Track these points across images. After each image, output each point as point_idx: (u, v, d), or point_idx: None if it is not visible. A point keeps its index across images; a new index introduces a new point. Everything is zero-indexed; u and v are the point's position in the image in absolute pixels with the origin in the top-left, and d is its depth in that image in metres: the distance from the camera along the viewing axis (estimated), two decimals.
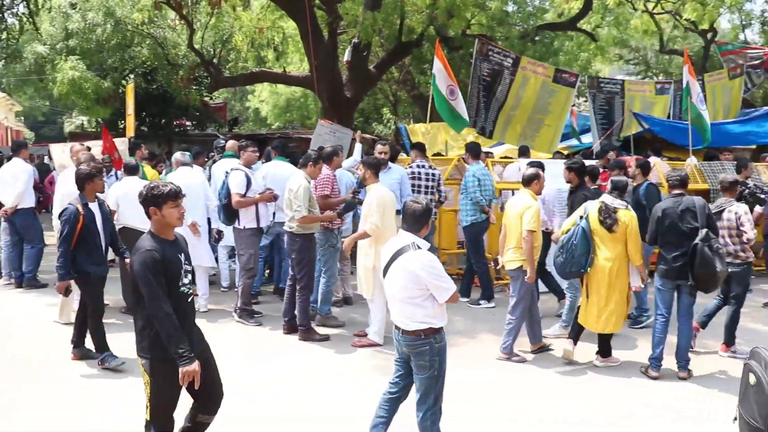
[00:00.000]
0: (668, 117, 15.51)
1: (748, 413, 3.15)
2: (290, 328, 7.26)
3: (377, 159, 7.25)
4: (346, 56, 15.48)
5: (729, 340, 6.85)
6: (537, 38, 15.88)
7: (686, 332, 6.17)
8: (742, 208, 6.78)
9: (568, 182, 7.56)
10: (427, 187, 8.84)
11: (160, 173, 10.58)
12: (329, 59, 15.22)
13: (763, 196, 8.03)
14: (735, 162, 10.27)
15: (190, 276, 3.96)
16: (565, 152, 16.06)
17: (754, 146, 17.10)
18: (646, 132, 14.02)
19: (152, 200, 3.81)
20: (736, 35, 22.63)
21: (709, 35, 21.01)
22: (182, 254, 3.92)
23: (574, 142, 16.61)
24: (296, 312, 7.10)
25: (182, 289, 3.85)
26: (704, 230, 5.89)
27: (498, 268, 7.26)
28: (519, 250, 6.51)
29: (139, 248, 3.75)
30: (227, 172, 7.87)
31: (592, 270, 6.26)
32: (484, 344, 7.19)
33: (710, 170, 10.24)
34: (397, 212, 7.45)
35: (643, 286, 6.56)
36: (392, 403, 4.41)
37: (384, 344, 6.86)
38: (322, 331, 7.35)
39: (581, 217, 6.35)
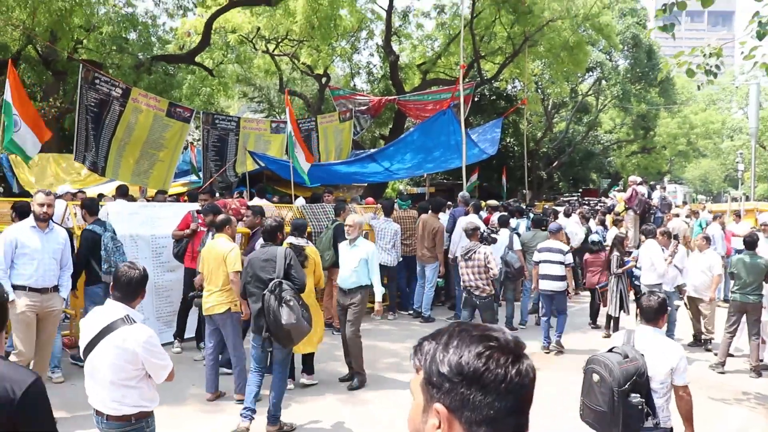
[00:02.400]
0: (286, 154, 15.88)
1: (593, 402, 4.04)
2: None
3: None
4: None
5: None
6: (153, 69, 15.07)
7: (277, 387, 5.81)
8: (488, 249, 8.09)
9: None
10: None
11: None
12: None
13: (494, 236, 9.53)
14: (334, 203, 10.68)
15: None
16: (184, 189, 15.55)
17: (364, 184, 18.46)
18: (265, 169, 14.10)
19: None
20: (347, 82, 24.50)
21: (323, 80, 22.30)
22: None
23: (193, 177, 16.16)
24: None
25: None
26: (276, 280, 5.56)
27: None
28: (225, 293, 6.39)
29: None
30: None
31: None
32: None
33: (311, 212, 10.42)
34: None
35: None
36: None
37: None
38: None
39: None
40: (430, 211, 10.79)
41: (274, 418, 5.79)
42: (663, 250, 8.95)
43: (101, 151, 12.84)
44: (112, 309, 3.72)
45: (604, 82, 33.08)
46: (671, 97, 34.19)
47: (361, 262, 7.14)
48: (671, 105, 34.42)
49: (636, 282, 9.43)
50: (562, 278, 8.87)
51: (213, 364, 6.61)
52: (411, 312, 10.93)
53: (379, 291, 7.27)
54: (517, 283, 10.69)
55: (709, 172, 60.73)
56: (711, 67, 6.44)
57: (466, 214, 10.90)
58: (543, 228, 10.72)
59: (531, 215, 12.34)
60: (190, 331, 8.36)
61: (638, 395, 3.89)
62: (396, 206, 11.15)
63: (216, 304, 6.41)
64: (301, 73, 24.20)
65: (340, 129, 17.90)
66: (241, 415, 5.76)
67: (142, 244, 8.33)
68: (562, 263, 8.85)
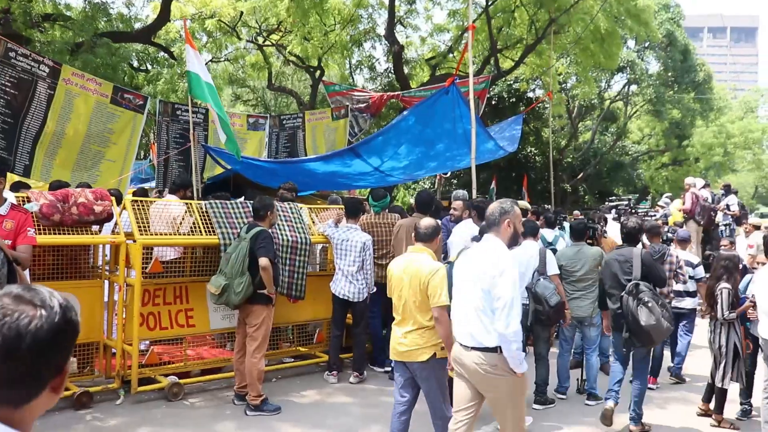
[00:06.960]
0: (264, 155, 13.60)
1: None
2: None
3: None
4: None
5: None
6: (97, 48, 12.18)
7: (638, 387, 5.94)
8: (679, 251, 7.86)
9: None
10: None
11: None
12: None
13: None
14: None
15: None
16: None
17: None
18: (232, 173, 11.42)
19: None
20: (346, 78, 21.79)
21: (317, 73, 19.64)
22: None
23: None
24: None
25: None
26: (634, 282, 5.68)
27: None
28: (428, 331, 4.62)
29: None
30: None
31: None
32: None
33: (221, 213, 7.20)
34: None
35: None
36: None
37: None
38: None
39: (449, 262, 5.81)
40: (414, 212, 7.42)
41: (637, 417, 5.94)
42: None
43: (23, 146, 10.21)
44: None
45: (634, 86, 30.12)
46: (708, 102, 31.17)
47: None
48: (709, 111, 31.33)
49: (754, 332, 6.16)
50: (692, 294, 7.82)
51: (404, 427, 4.88)
52: (389, 370, 7.13)
53: None
54: (551, 329, 7.24)
55: (743, 185, 57.57)
56: None
57: (456, 221, 7.64)
58: (589, 241, 7.41)
59: (567, 224, 8.85)
60: None
61: None
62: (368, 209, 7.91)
63: (414, 348, 4.65)
64: (291, 65, 21.43)
65: (332, 128, 15.41)
66: (605, 398, 6.09)
67: None
68: (691, 277, 7.80)
